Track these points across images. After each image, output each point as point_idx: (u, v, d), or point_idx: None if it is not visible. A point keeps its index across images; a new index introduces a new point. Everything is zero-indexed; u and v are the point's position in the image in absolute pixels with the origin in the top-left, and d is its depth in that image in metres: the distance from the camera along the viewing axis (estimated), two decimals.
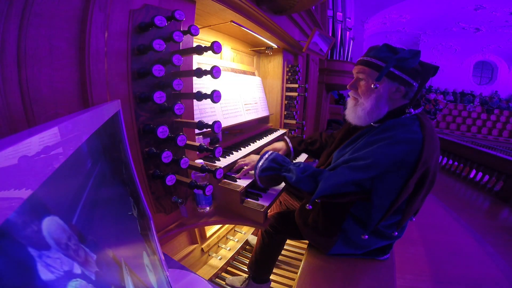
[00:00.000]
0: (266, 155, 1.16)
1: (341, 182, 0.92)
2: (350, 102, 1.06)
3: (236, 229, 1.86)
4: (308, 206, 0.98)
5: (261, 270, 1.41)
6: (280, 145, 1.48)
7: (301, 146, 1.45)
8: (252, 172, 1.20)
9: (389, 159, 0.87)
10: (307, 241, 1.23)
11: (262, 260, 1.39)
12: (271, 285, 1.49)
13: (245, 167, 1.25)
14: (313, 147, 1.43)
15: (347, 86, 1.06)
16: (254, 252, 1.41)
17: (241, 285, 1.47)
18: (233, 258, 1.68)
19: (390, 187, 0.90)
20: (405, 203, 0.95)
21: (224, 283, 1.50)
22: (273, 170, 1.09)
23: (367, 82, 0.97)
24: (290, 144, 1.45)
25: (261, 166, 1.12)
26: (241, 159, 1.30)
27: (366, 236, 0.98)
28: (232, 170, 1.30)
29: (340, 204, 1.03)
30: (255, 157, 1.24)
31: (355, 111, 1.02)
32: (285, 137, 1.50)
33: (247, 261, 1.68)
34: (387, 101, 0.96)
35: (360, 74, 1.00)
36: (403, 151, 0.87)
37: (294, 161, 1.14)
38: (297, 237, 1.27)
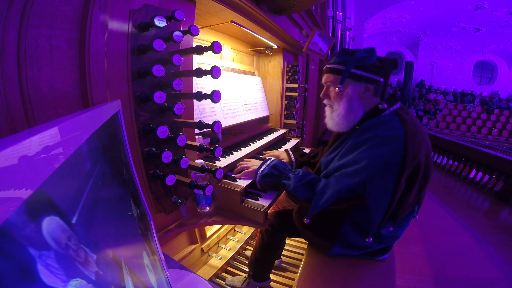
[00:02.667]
0: (268, 162, 1.17)
1: (335, 191, 0.93)
2: (327, 111, 1.09)
3: (236, 229, 1.86)
4: (306, 221, 0.99)
5: (261, 268, 1.42)
6: (284, 155, 1.49)
7: (303, 158, 1.47)
8: (246, 170, 1.22)
9: (375, 161, 0.88)
10: (306, 241, 1.23)
11: (262, 258, 1.40)
12: (271, 285, 1.49)
13: (246, 170, 1.25)
14: (315, 160, 1.44)
15: (320, 96, 1.09)
16: (254, 251, 1.42)
17: (241, 285, 1.48)
18: (233, 258, 1.68)
19: (383, 189, 0.89)
20: (398, 200, 0.94)
21: (224, 283, 1.50)
22: (273, 177, 1.11)
23: (335, 88, 1.00)
24: (292, 156, 1.46)
25: (262, 172, 1.14)
26: (244, 161, 1.30)
27: (371, 239, 0.97)
28: (234, 171, 1.30)
29: (338, 209, 1.03)
30: (258, 162, 1.24)
31: (332, 117, 1.04)
32: (288, 149, 1.51)
33: (247, 261, 1.68)
34: (359, 102, 0.98)
35: (327, 82, 1.03)
36: (388, 151, 0.87)
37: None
38: (296, 235, 1.28)
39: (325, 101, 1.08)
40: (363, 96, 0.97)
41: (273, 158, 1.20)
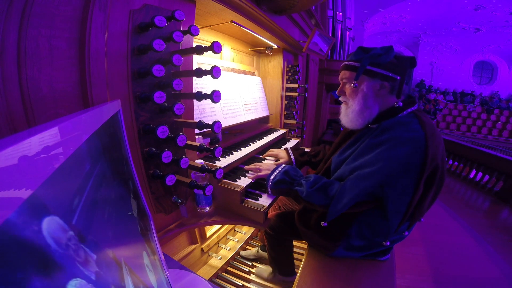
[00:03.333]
0: (279, 168, 1.15)
1: (353, 195, 0.91)
2: (342, 107, 1.09)
3: (236, 229, 1.86)
4: (323, 224, 0.99)
5: (282, 264, 1.45)
6: (283, 154, 1.50)
7: (303, 157, 1.46)
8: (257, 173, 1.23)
9: (394, 163, 0.86)
10: (309, 243, 1.22)
11: (277, 255, 1.42)
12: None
13: (258, 173, 1.24)
14: (316, 159, 1.44)
15: (337, 93, 1.09)
16: (268, 251, 1.45)
17: (267, 277, 1.51)
18: (233, 258, 1.68)
19: (402, 191, 0.88)
20: (416, 204, 0.93)
21: (225, 283, 1.50)
22: (285, 184, 1.10)
23: (351, 85, 1.00)
24: (292, 156, 1.47)
25: (273, 178, 1.12)
26: (258, 163, 1.29)
27: (388, 243, 0.98)
28: (247, 167, 1.31)
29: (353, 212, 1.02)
30: (272, 166, 1.23)
31: (347, 114, 1.04)
32: (288, 148, 1.52)
33: (247, 261, 1.69)
34: (374, 99, 0.98)
35: (343, 79, 1.04)
36: (407, 152, 0.86)
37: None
38: (297, 237, 1.27)
39: (340, 98, 1.09)
40: (378, 93, 0.97)
41: (284, 165, 1.19)
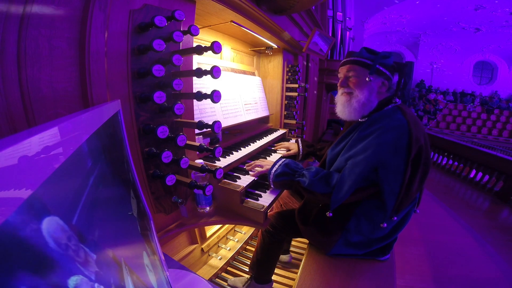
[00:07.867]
0: (280, 162, 1.20)
1: (352, 183, 0.98)
2: (342, 99, 1.14)
3: (236, 229, 1.86)
4: (329, 214, 1.03)
5: (263, 270, 1.41)
6: (293, 145, 1.69)
7: (310, 148, 1.61)
8: (259, 169, 1.27)
9: (384, 146, 0.96)
10: (307, 241, 1.23)
11: (263, 259, 1.38)
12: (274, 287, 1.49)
13: (259, 168, 1.28)
14: (321, 152, 1.56)
15: (338, 84, 1.14)
16: (256, 252, 1.41)
17: (243, 286, 1.45)
18: (233, 258, 1.68)
19: (394, 172, 0.96)
20: (405, 187, 0.99)
21: (225, 283, 1.50)
22: (287, 176, 1.14)
23: (359, 78, 1.08)
24: (300, 146, 1.63)
25: (275, 171, 1.17)
26: (259, 160, 1.34)
27: (385, 224, 1.02)
28: (247, 167, 1.34)
29: (347, 204, 1.05)
30: (272, 163, 1.26)
31: (350, 104, 1.10)
32: (298, 139, 1.70)
33: (247, 261, 1.68)
34: (376, 95, 1.08)
35: (350, 72, 1.10)
36: (393, 137, 0.96)
37: (300, 160, 1.26)
38: (298, 235, 1.28)
39: (343, 90, 1.13)
40: (379, 90, 1.08)
41: (284, 158, 1.23)
